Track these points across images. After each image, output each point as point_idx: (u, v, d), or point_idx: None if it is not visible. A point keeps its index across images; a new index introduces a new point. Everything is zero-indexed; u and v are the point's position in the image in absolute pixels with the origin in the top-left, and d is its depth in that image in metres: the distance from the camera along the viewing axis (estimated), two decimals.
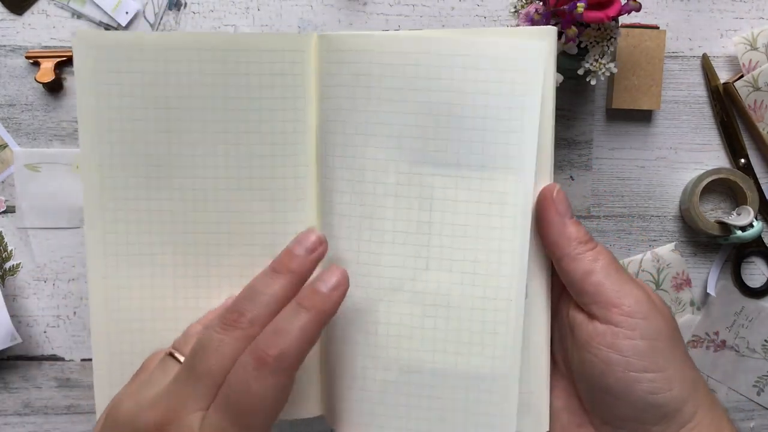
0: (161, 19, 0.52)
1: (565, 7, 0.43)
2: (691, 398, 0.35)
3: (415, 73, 0.37)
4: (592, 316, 0.36)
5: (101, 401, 0.41)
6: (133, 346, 0.40)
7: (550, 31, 0.37)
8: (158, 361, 0.35)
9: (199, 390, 0.31)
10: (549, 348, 0.39)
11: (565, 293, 0.39)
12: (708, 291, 0.54)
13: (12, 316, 0.52)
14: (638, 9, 0.44)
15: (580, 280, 0.36)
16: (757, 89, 0.51)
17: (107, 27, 0.52)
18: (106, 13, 0.52)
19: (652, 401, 0.35)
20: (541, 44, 0.37)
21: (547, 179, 0.38)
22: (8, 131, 0.53)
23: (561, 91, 0.53)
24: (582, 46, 0.46)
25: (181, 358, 0.34)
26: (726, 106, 0.53)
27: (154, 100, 0.39)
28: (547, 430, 0.39)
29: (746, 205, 0.51)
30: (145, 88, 0.38)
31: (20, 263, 0.53)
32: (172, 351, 0.35)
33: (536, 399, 0.39)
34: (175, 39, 0.38)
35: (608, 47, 0.46)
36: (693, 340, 0.54)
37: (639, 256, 0.53)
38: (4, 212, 0.53)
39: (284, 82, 0.39)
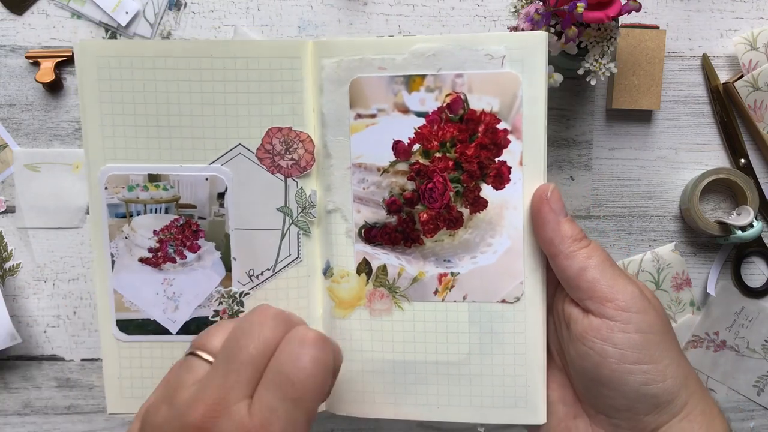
0: (161, 19, 0.52)
1: (565, 7, 0.43)
2: (683, 389, 0.37)
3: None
4: (587, 311, 0.37)
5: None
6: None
7: (541, 35, 0.39)
8: (179, 363, 0.35)
9: (242, 378, 0.31)
10: (545, 343, 0.40)
11: (559, 289, 0.40)
12: (708, 291, 0.54)
13: (12, 316, 0.52)
14: (638, 9, 0.44)
15: (575, 276, 0.37)
16: (757, 89, 0.51)
17: (107, 27, 0.52)
18: (106, 13, 0.52)
19: (646, 392, 0.36)
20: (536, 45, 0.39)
21: (541, 179, 0.39)
22: (8, 131, 0.53)
23: (561, 91, 0.53)
24: (582, 46, 0.46)
25: (205, 356, 0.34)
26: (726, 106, 0.53)
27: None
28: (545, 422, 0.40)
29: (746, 205, 0.51)
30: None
31: (20, 263, 0.53)
32: (194, 350, 0.35)
33: (533, 392, 0.40)
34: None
35: (608, 47, 0.46)
36: (693, 340, 0.54)
37: (639, 256, 0.53)
38: (4, 212, 0.53)
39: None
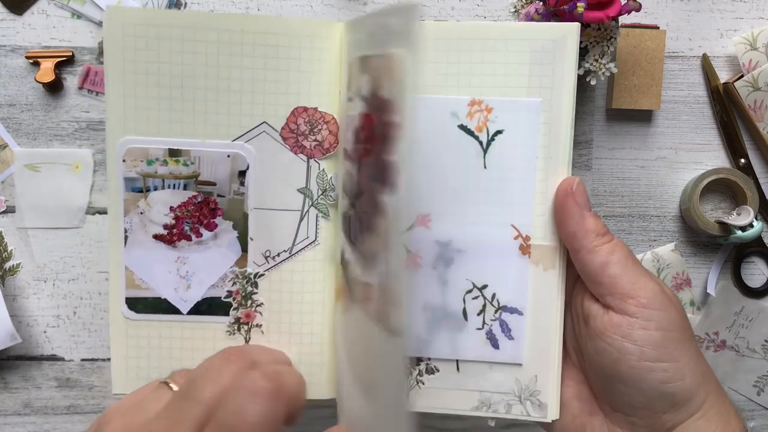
0: None
1: (565, 7, 0.43)
2: (701, 389, 0.36)
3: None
4: (607, 307, 0.37)
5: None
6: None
7: (574, 28, 0.38)
8: (153, 386, 0.35)
9: (190, 418, 0.31)
10: (561, 338, 0.40)
11: (579, 284, 0.40)
12: (708, 291, 0.54)
13: (12, 316, 0.52)
14: (638, 9, 0.44)
15: (597, 271, 0.37)
16: (757, 89, 0.51)
17: None
18: None
19: (664, 390, 0.36)
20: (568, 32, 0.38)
21: (565, 172, 0.39)
22: (8, 131, 0.53)
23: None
24: (582, 46, 0.46)
25: (175, 388, 0.34)
26: (726, 106, 0.53)
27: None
28: (557, 418, 0.40)
29: (746, 205, 0.51)
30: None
31: (20, 263, 0.53)
32: (167, 380, 0.35)
33: (547, 388, 0.40)
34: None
35: (608, 47, 0.46)
36: None
37: (639, 256, 0.53)
38: (4, 212, 0.53)
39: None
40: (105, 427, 0.33)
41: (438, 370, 0.41)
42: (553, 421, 0.40)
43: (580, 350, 0.40)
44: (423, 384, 0.40)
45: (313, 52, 0.39)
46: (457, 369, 0.40)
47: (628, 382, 0.36)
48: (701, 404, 0.36)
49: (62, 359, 0.54)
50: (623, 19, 0.51)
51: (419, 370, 0.40)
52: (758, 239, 0.53)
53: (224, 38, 0.39)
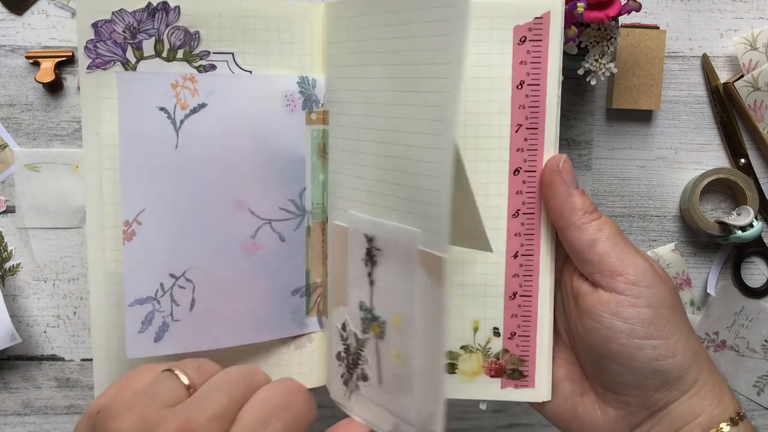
0: None
1: (565, 7, 0.43)
2: (693, 366, 0.36)
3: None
4: (596, 285, 0.37)
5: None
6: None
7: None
8: (154, 375, 0.31)
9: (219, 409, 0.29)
10: (552, 319, 0.39)
11: (567, 263, 0.39)
12: (708, 291, 0.54)
13: (12, 316, 0.52)
14: (638, 9, 0.44)
15: (584, 249, 0.37)
16: (757, 89, 0.51)
17: None
18: None
19: (656, 368, 0.36)
20: None
21: (552, 150, 0.38)
22: (8, 131, 0.53)
23: (561, 91, 0.53)
24: (582, 46, 0.46)
25: (182, 377, 0.30)
26: (726, 106, 0.53)
27: None
28: (549, 399, 0.40)
29: (746, 205, 0.51)
30: None
31: (20, 263, 0.53)
32: (174, 369, 0.31)
33: (539, 369, 0.39)
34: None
35: (608, 47, 0.46)
36: None
37: None
38: (4, 212, 0.53)
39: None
40: (112, 422, 0.28)
41: None
42: (545, 402, 0.40)
43: (570, 331, 0.40)
44: None
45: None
46: None
47: (619, 361, 0.36)
48: (694, 381, 0.36)
49: (62, 359, 0.54)
50: (623, 19, 0.51)
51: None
52: (758, 239, 0.53)
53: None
